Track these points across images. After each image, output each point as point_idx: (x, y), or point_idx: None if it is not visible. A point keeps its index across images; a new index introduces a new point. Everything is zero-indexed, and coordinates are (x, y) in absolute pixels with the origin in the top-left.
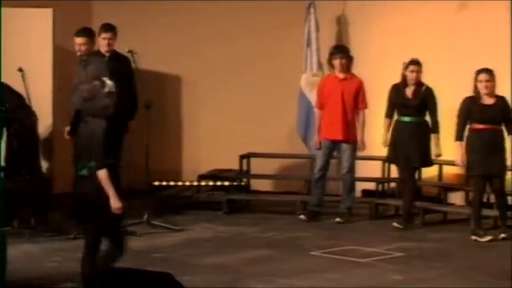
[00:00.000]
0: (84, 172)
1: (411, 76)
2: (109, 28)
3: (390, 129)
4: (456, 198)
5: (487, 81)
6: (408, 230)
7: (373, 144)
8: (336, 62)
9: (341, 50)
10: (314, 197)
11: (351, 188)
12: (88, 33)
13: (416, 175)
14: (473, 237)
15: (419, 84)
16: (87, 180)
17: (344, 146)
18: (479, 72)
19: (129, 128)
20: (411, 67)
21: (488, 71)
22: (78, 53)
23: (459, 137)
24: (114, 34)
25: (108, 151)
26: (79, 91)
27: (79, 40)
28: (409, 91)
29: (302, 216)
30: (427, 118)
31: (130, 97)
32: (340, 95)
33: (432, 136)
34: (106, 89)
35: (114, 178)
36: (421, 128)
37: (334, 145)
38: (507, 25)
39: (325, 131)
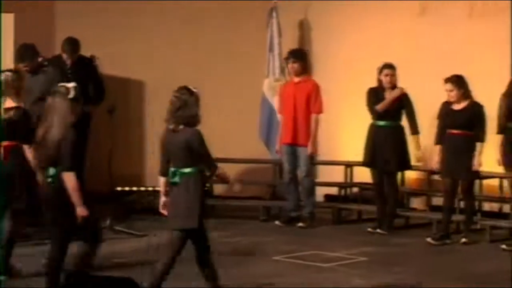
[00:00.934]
0: (177, 179)
1: (385, 80)
2: (74, 49)
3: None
4: (418, 203)
5: (450, 90)
6: (392, 234)
7: (336, 149)
8: (289, 66)
9: (293, 55)
10: (289, 202)
11: (311, 193)
12: (28, 56)
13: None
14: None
15: (394, 88)
16: (181, 186)
17: (300, 150)
18: (444, 81)
19: (90, 132)
20: (385, 71)
21: (451, 80)
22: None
23: (436, 141)
24: (77, 52)
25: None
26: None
27: (20, 66)
28: (387, 95)
29: (277, 222)
30: (402, 122)
31: (97, 90)
32: (292, 99)
33: (413, 137)
34: (193, 97)
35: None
36: (397, 132)
37: (292, 148)
38: (471, 25)
39: (282, 135)
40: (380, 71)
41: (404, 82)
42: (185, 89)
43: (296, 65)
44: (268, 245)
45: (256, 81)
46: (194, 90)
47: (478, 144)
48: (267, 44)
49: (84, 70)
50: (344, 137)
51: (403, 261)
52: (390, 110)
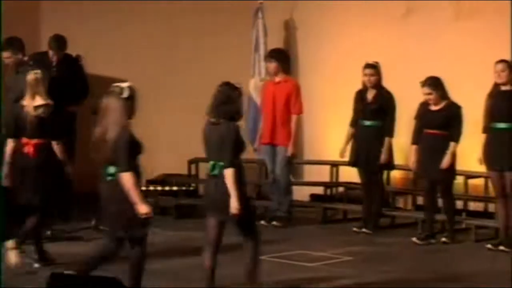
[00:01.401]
0: (216, 171)
1: (366, 80)
2: (60, 46)
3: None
4: (404, 202)
5: (428, 93)
6: (377, 234)
7: (322, 148)
8: (267, 66)
9: (270, 54)
10: (273, 202)
11: (287, 192)
12: (12, 45)
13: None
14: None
15: (380, 88)
16: (217, 179)
17: (277, 149)
18: (421, 85)
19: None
20: (365, 71)
21: (427, 84)
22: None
23: (413, 141)
24: (64, 50)
25: (236, 151)
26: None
27: (4, 53)
28: (370, 95)
29: (263, 221)
30: None
31: (82, 89)
32: (271, 99)
33: (386, 139)
34: (236, 92)
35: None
36: (381, 132)
37: (272, 148)
38: (458, 26)
39: (262, 134)
40: (362, 71)
41: (392, 83)
42: (228, 84)
43: (272, 65)
44: None
45: (242, 81)
46: (238, 85)
47: (451, 144)
48: (252, 44)
49: (70, 68)
50: (330, 136)
51: (388, 261)
52: (374, 110)
